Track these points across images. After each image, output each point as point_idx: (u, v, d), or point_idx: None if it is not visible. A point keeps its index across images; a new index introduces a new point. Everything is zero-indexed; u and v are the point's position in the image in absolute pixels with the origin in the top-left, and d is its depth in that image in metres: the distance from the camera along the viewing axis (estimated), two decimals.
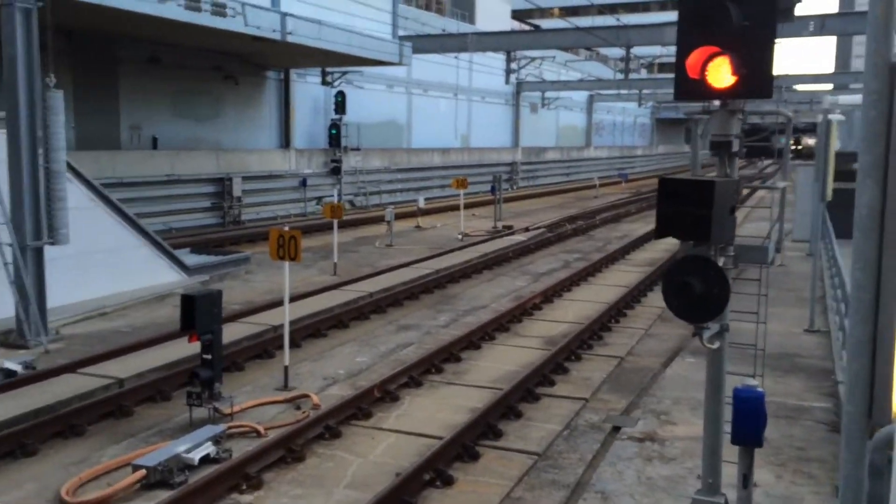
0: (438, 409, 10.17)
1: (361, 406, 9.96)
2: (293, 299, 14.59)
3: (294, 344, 12.49)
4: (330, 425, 9.28)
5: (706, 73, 4.70)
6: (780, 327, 13.89)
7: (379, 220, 28.52)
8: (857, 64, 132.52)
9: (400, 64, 31.28)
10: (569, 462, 8.59)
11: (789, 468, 8.25)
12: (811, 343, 13.37)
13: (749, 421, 5.06)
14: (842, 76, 67.11)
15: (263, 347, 12.61)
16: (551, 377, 11.50)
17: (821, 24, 27.17)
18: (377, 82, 38.13)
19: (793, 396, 10.54)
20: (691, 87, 4.75)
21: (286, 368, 11.00)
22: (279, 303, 12.69)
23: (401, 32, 36.25)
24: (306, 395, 10.45)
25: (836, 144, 15.28)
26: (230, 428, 9.12)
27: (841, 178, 15.81)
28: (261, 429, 9.20)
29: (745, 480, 5.29)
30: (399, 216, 27.98)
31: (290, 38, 23.80)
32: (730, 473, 5.69)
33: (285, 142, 33.18)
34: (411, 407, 10.32)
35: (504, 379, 11.27)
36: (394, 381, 10.92)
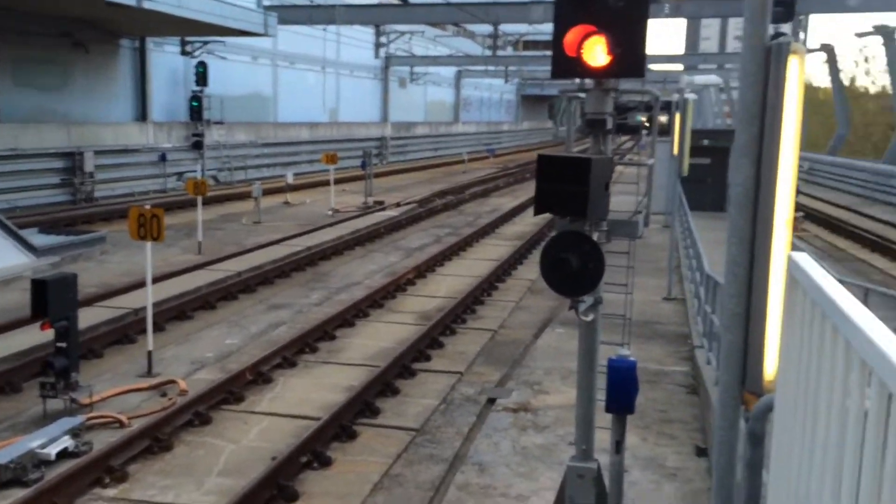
0: (314, 390, 10.00)
1: (232, 390, 9.64)
2: (155, 280, 13.89)
3: (158, 328, 11.90)
4: (199, 411, 8.92)
5: (582, 51, 4.75)
6: (641, 296, 14.52)
7: (245, 196, 27.65)
8: (705, 45, 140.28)
9: (265, 35, 30.21)
10: (446, 436, 8.67)
11: (653, 430, 8.67)
12: (669, 310, 14.10)
13: (622, 390, 5.24)
14: (692, 57, 70.85)
15: (124, 332, 11.95)
16: (427, 352, 11.56)
17: (676, 7, 28.49)
18: (241, 53, 36.75)
19: (654, 361, 11.09)
20: (568, 65, 4.79)
21: (150, 354, 10.48)
22: (139, 284, 12.05)
23: (266, 2, 35.01)
24: (172, 381, 10.00)
25: (690, 122, 16.08)
26: (89, 419, 8.59)
27: (693, 154, 16.70)
28: (123, 418, 8.73)
29: (618, 446, 5.48)
30: (267, 192, 27.22)
31: (146, 5, 22.44)
32: (601, 439, 5.89)
33: (142, 114, 31.45)
34: (285, 388, 10.09)
35: (380, 356, 11.22)
36: (266, 362, 10.65)
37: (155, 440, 8.18)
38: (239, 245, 19.75)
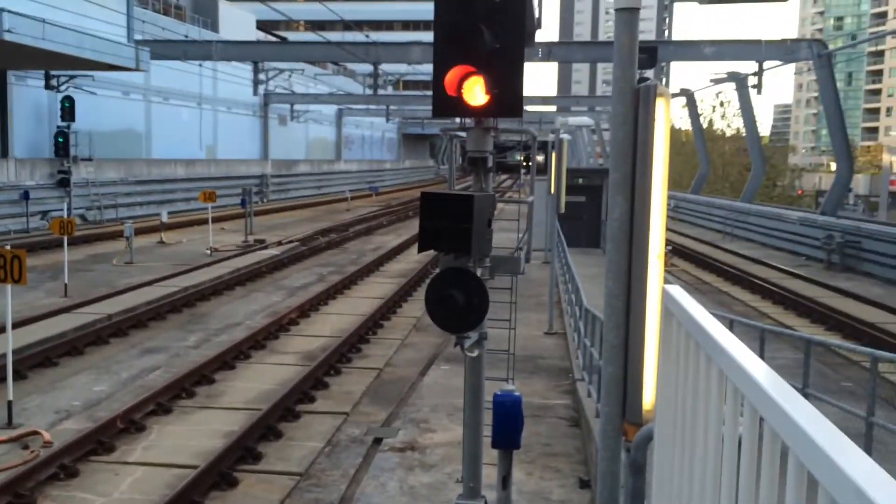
0: (191, 437, 9.57)
1: (102, 440, 9.10)
2: (16, 325, 13.02)
3: (19, 375, 11.11)
4: (65, 464, 8.35)
5: (462, 91, 4.85)
6: (523, 331, 14.82)
7: (116, 235, 26.41)
8: (577, 88, 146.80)
9: (137, 69, 29.27)
10: (332, 479, 8.47)
11: (538, 464, 8.79)
12: (551, 345, 14.43)
13: (508, 425, 5.29)
14: (565, 99, 73.87)
15: None
16: (311, 393, 11.31)
17: (548, 52, 29.71)
18: (111, 88, 35.40)
19: (538, 395, 11.28)
20: (448, 104, 4.88)
21: (9, 403, 9.76)
22: None
23: (137, 36, 33.95)
24: (35, 432, 9.34)
25: (566, 162, 16.70)
26: None
27: (569, 192, 17.32)
28: None
29: (505, 482, 5.52)
30: (140, 231, 26.13)
31: (7, 37, 21.31)
32: (488, 475, 5.92)
33: (2, 151, 29.65)
34: (160, 436, 9.61)
35: (262, 398, 10.88)
36: (139, 409, 10.12)
37: (16, 496, 7.58)
38: (110, 287, 18.80)
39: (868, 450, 7.20)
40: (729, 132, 79.56)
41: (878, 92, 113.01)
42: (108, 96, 35.48)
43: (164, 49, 32.25)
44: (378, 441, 9.56)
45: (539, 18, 5.88)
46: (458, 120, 5.29)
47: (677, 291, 2.30)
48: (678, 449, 2.11)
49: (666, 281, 3.16)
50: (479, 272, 5.18)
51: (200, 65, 39.05)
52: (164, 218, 28.79)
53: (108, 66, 27.65)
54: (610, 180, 3.24)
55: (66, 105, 30.65)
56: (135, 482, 8.22)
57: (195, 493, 7.78)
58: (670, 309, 2.27)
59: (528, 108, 62.47)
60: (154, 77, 37.59)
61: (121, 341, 14.21)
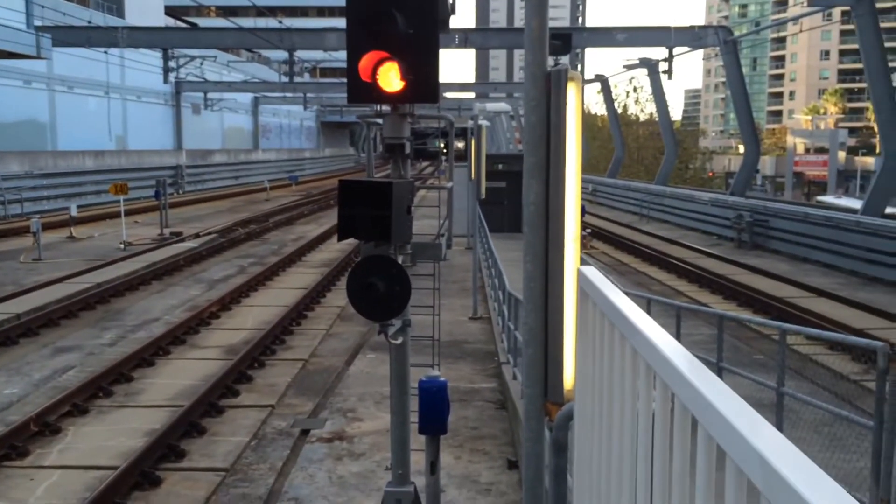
0: (110, 437, 9.28)
1: (15, 444, 8.73)
2: None
3: None
4: None
5: (377, 77, 4.81)
6: (448, 317, 14.91)
7: (23, 231, 25.26)
8: (494, 75, 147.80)
9: (38, 57, 28.01)
10: (259, 473, 8.36)
11: (466, 448, 8.87)
12: (476, 329, 14.56)
13: (434, 410, 5.31)
14: (483, 86, 74.24)
15: None
16: (235, 387, 11.11)
17: (465, 38, 29.78)
18: (11, 77, 33.75)
19: (464, 380, 11.38)
20: (363, 91, 4.83)
21: None
22: None
23: (38, 22, 32.42)
24: None
25: (485, 148, 16.80)
26: None
27: (489, 178, 17.45)
28: None
29: (433, 467, 5.55)
30: (48, 226, 25.06)
31: None
32: (417, 461, 5.94)
33: None
34: (77, 438, 9.28)
35: (184, 395, 10.63)
36: (53, 411, 9.74)
37: None
38: (17, 285, 17.99)
39: (780, 419, 7.54)
40: (643, 117, 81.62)
41: (781, 76, 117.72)
42: (9, 85, 33.83)
43: (67, 35, 30.89)
44: (305, 432, 9.47)
45: (452, 4, 5.87)
46: (375, 107, 5.25)
47: (592, 273, 2.35)
48: (596, 427, 2.16)
49: (585, 263, 3.22)
50: (400, 259, 5.17)
51: (107, 52, 37.58)
52: (74, 212, 27.66)
53: (7, 53, 26.33)
54: (525, 164, 3.27)
55: None
56: (51, 486, 7.92)
57: (116, 494, 7.56)
58: (585, 290, 2.31)
59: (447, 94, 62.61)
60: (57, 65, 36.01)
61: (31, 341, 13.64)
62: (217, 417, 10.02)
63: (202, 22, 62.94)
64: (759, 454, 1.00)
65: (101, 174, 38.91)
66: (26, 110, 35.92)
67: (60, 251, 23.65)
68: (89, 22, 35.14)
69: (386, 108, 5.28)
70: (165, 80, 38.37)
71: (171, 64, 38.59)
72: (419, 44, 4.80)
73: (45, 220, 24.54)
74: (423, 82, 4.85)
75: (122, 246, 24.34)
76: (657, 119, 46.26)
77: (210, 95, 54.61)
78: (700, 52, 42.76)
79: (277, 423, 9.85)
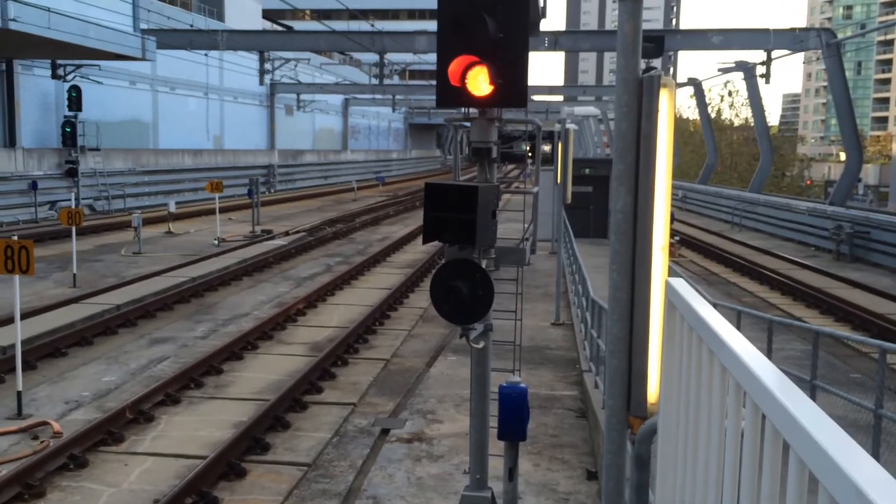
0: (199, 427, 9.61)
1: (111, 430, 9.14)
2: (25, 316, 13.09)
3: (28, 366, 11.19)
4: (75, 454, 8.40)
5: (466, 81, 4.83)
6: (530, 322, 14.83)
7: (125, 226, 26.49)
8: (583, 78, 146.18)
9: (143, 59, 29.30)
10: (339, 469, 8.50)
11: (545, 456, 8.79)
12: (558, 335, 14.42)
13: (514, 417, 5.28)
14: (572, 89, 73.55)
15: None
16: (318, 384, 11.34)
17: (554, 41, 29.56)
18: (118, 78, 35.44)
19: (544, 387, 11.28)
20: (452, 95, 4.85)
21: (19, 394, 9.81)
22: (8, 320, 11.31)
23: (143, 26, 33.96)
24: (45, 423, 9.40)
25: (572, 152, 16.63)
26: None
27: (575, 182, 17.25)
28: None
29: (511, 474, 5.52)
30: (148, 221, 26.19)
31: (12, 26, 21.34)
32: (495, 466, 5.92)
33: (9, 140, 29.73)
34: (169, 427, 9.65)
35: (270, 389, 10.92)
36: (148, 399, 10.16)
37: (26, 486, 7.63)
38: (118, 277, 18.87)
39: (877, 442, 7.18)
40: (737, 122, 79.16)
41: (887, 81, 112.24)
42: (115, 86, 35.52)
43: (170, 38, 32.26)
44: (385, 432, 9.58)
45: (543, 7, 5.83)
46: (462, 110, 5.27)
47: (680, 284, 2.29)
48: (681, 443, 2.11)
49: (673, 272, 3.14)
50: (484, 263, 5.17)
51: (207, 54, 39.02)
52: (172, 208, 28.85)
53: (114, 55, 27.68)
54: (613, 172, 3.22)
55: (73, 95, 30.70)
56: (144, 472, 8.26)
57: (204, 483, 7.82)
58: (673, 302, 2.26)
59: (535, 97, 62.32)
60: (161, 67, 37.61)
61: (129, 332, 14.27)
62: (301, 413, 10.25)
63: (297, 25, 64.62)
64: (853, 484, 0.95)
65: (199, 172, 40.44)
66: (131, 110, 37.66)
67: (159, 245, 24.69)
68: (191, 25, 36.58)
69: (474, 111, 5.29)
70: (261, 82, 39.52)
71: (267, 66, 39.73)
72: (509, 48, 4.79)
73: (145, 215, 25.66)
74: (511, 86, 4.83)
75: (216, 242, 25.22)
76: (752, 124, 44.79)
77: (303, 97, 55.98)
78: (800, 56, 41.18)
79: (358, 422, 10.00)
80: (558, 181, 15.45)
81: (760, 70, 32.70)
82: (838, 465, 1.02)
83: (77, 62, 30.68)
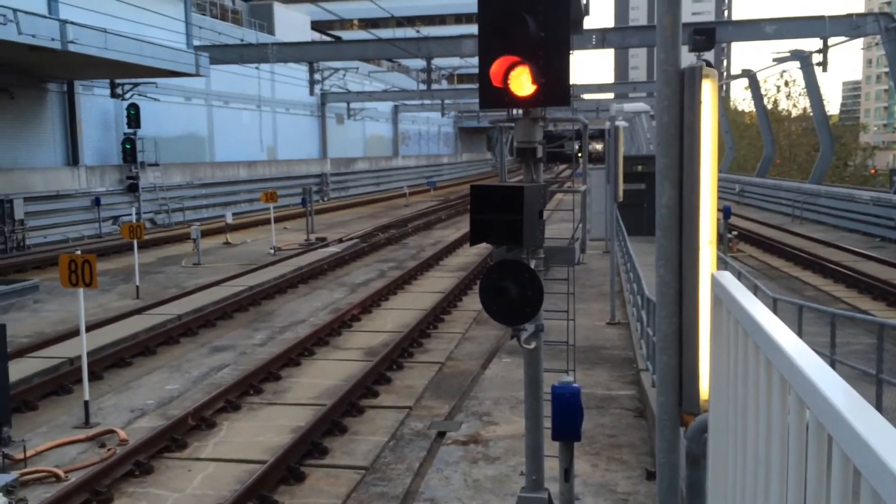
0: (259, 432, 9.78)
1: (175, 437, 9.37)
2: (91, 328, 13.52)
3: (95, 376, 11.55)
4: (140, 461, 8.63)
5: (509, 81, 4.82)
6: (585, 322, 14.70)
7: (184, 238, 27.14)
8: (634, 74, 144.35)
9: (197, 75, 29.99)
10: (396, 472, 8.55)
11: (603, 456, 8.70)
12: (613, 335, 14.26)
13: (567, 417, 5.24)
14: (622, 86, 72.68)
15: (59, 383, 11.53)
16: (374, 388, 11.43)
17: (602, 38, 29.26)
18: (174, 94, 36.34)
19: (601, 387, 11.16)
20: (495, 96, 4.85)
21: (86, 403, 10.12)
22: (74, 333, 11.68)
23: (196, 42, 34.76)
24: (111, 431, 9.67)
25: (622, 149, 16.44)
26: (24, 475, 8.23)
27: (628, 179, 17.05)
28: (60, 472, 8.39)
29: (567, 474, 5.48)
30: (206, 233, 26.77)
31: (72, 48, 22.06)
32: (551, 467, 5.88)
33: (73, 159, 30.75)
34: (230, 432, 9.84)
35: (327, 394, 11.05)
36: (209, 406, 10.38)
37: (94, 493, 7.87)
38: (179, 288, 19.34)
39: None
40: (795, 112, 77.12)
41: None
42: (172, 102, 36.43)
43: (222, 54, 32.96)
44: (441, 434, 9.60)
45: (586, 5, 5.79)
46: (508, 111, 5.26)
47: (726, 277, 2.24)
48: (731, 440, 2.06)
49: (731, 267, 3.08)
50: (532, 263, 5.14)
51: (258, 67, 39.72)
52: (229, 219, 29.47)
53: (170, 72, 28.40)
54: (657, 166, 3.17)
55: (132, 112, 31.61)
56: (206, 478, 8.44)
57: (264, 487, 7.95)
58: (719, 296, 2.21)
59: (585, 96, 61.81)
60: (214, 82, 38.43)
61: (191, 340, 14.61)
62: (357, 417, 10.34)
63: (345, 35, 65.34)
64: (895, 476, 0.92)
65: (253, 183, 41.19)
66: (187, 125, 38.57)
67: (217, 256, 25.22)
68: (242, 40, 37.31)
69: (518, 112, 5.28)
70: (311, 93, 40.06)
71: (317, 76, 40.28)
72: (550, 47, 4.77)
73: (203, 227, 26.23)
74: (554, 85, 4.80)
75: (272, 251, 25.65)
76: (811, 114, 43.63)
77: (352, 105, 56.54)
78: (859, 42, 39.93)
79: (414, 425, 10.04)
80: (609, 179, 15.30)
81: (817, 58, 31.82)
82: (880, 457, 0.99)
83: (134, 81, 31.58)
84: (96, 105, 32.17)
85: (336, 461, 8.89)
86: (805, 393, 1.36)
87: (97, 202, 30.22)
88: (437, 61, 34.72)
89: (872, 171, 74.73)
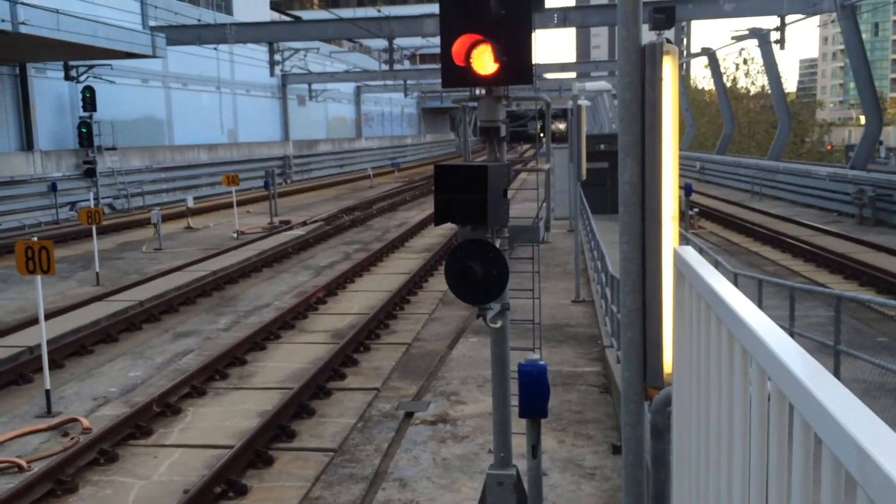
0: (226, 417, 9.72)
1: (140, 424, 9.27)
2: (51, 315, 13.28)
3: (55, 364, 11.35)
4: (105, 449, 8.53)
5: (471, 60, 4.79)
6: (550, 300, 14.81)
7: (144, 223, 26.73)
8: (596, 53, 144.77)
9: (154, 56, 29.39)
10: (365, 454, 8.57)
11: (570, 432, 8.80)
12: (579, 312, 14.39)
13: (534, 394, 5.28)
14: (584, 65, 72.91)
15: (19, 372, 11.31)
16: (341, 370, 11.41)
17: (563, 17, 29.27)
18: (130, 76, 35.60)
19: (567, 364, 11.28)
20: (458, 74, 4.82)
21: (48, 392, 9.96)
22: (33, 321, 11.46)
23: (152, 23, 34.04)
24: (74, 420, 9.54)
25: (585, 128, 16.51)
26: None
27: (591, 158, 17.13)
28: (22, 462, 8.26)
29: (534, 451, 5.53)
30: (167, 218, 26.39)
31: (23, 29, 21.47)
32: (519, 444, 5.94)
33: (27, 143, 30.02)
34: (196, 418, 9.77)
35: (293, 377, 11.01)
36: (174, 392, 10.28)
37: (58, 483, 7.76)
38: (140, 274, 19.06)
39: None
40: (754, 90, 78.11)
41: None
42: (128, 85, 35.70)
43: (179, 34, 32.30)
44: (409, 415, 9.63)
45: None
46: (470, 90, 5.24)
47: (688, 253, 2.27)
48: (694, 412, 2.10)
49: (692, 244, 3.11)
50: (497, 243, 5.15)
51: (216, 48, 39.05)
52: (190, 203, 29.04)
53: (125, 53, 27.78)
54: (619, 143, 3.19)
55: (87, 95, 30.90)
56: (173, 464, 8.37)
57: (232, 472, 7.91)
58: (682, 271, 2.24)
59: (547, 75, 61.85)
60: (172, 63, 37.72)
61: (153, 327, 14.43)
62: (325, 399, 10.32)
63: (305, 14, 64.50)
64: (854, 441, 0.94)
65: (215, 167, 40.62)
66: (144, 108, 37.84)
67: (179, 241, 24.88)
68: (199, 20, 36.60)
69: (480, 90, 5.26)
70: (272, 74, 39.50)
71: (277, 57, 39.69)
72: (512, 25, 4.75)
73: (164, 211, 25.85)
74: (517, 64, 4.79)
75: (235, 235, 25.37)
76: (769, 92, 44.21)
77: (314, 87, 55.94)
78: (815, 20, 40.51)
79: (382, 406, 10.06)
80: (571, 158, 15.36)
81: (775, 36, 32.20)
82: (839, 423, 1.01)
83: (89, 63, 30.85)
84: (50, 88, 31.39)
85: (304, 444, 8.88)
86: (767, 363, 1.38)
87: (53, 188, 29.57)
88: (399, 41, 34.46)
89: (829, 148, 76.14)
